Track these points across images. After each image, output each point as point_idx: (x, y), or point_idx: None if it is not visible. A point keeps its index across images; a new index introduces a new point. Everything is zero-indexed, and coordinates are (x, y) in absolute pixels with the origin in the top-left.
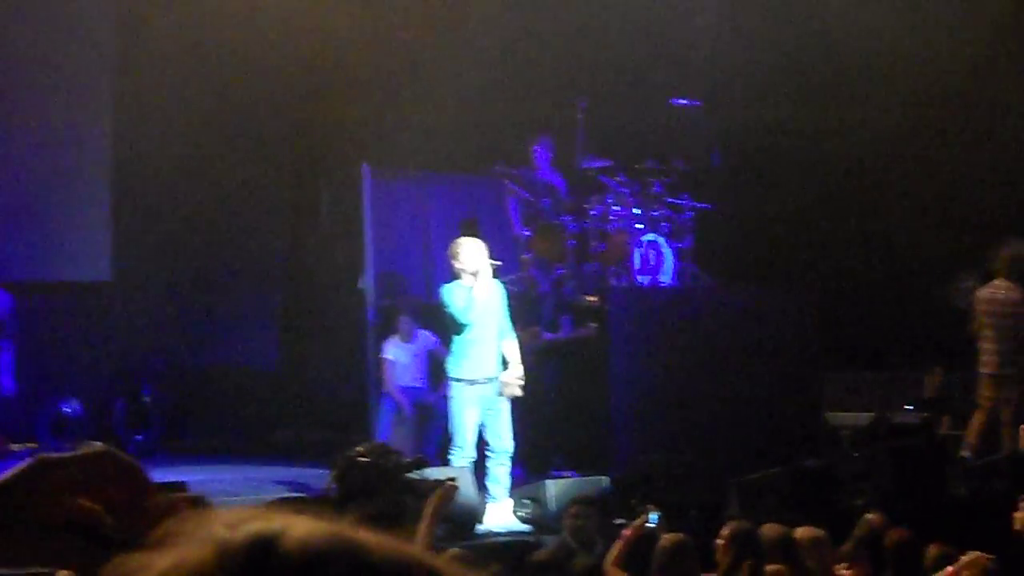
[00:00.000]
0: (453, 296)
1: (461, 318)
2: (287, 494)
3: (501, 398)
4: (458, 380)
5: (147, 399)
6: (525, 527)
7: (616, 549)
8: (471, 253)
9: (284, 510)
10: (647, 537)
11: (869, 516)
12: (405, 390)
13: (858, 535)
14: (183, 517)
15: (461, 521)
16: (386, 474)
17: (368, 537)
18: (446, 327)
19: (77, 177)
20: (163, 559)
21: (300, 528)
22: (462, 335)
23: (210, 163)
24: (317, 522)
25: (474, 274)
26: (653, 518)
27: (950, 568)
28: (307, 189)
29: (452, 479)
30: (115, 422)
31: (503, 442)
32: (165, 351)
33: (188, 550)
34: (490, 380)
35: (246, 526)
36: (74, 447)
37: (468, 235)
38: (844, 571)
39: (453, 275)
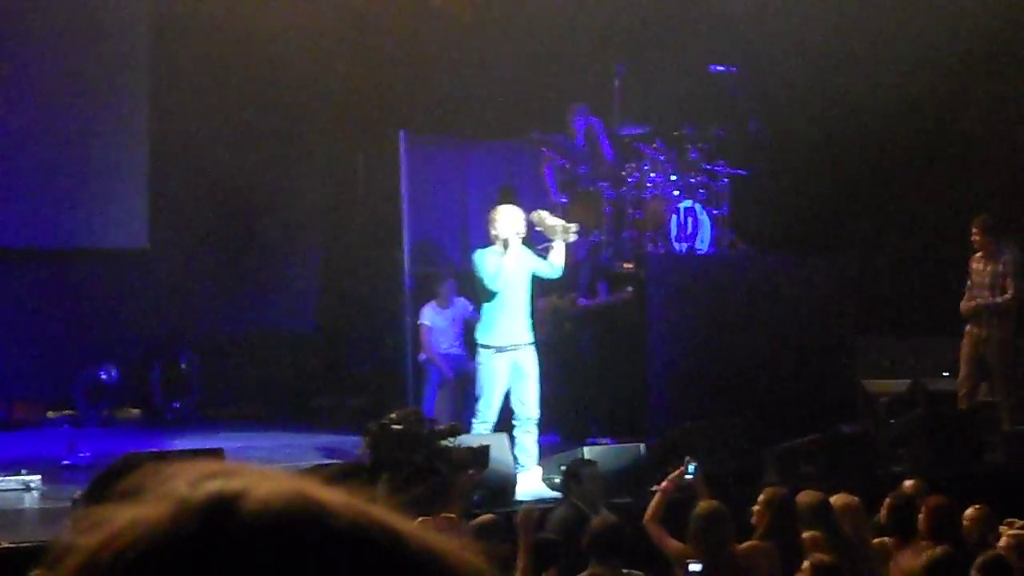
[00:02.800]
0: (484, 262)
1: (490, 284)
2: (323, 461)
3: (529, 365)
4: (487, 347)
5: (184, 366)
6: (555, 494)
7: (655, 503)
8: (507, 220)
9: (317, 477)
10: (685, 489)
11: (907, 483)
12: (445, 356)
13: (892, 503)
14: (148, 470)
15: (498, 488)
16: (419, 441)
17: (332, 499)
18: (476, 293)
19: (114, 144)
20: (122, 514)
21: (262, 489)
22: (491, 302)
23: (247, 129)
24: (284, 482)
25: (506, 241)
26: (691, 469)
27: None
28: (344, 155)
29: (486, 446)
30: (152, 389)
31: (529, 409)
32: (202, 318)
33: (147, 506)
34: (518, 347)
35: (207, 484)
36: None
37: (506, 202)
38: (879, 540)
39: (489, 241)
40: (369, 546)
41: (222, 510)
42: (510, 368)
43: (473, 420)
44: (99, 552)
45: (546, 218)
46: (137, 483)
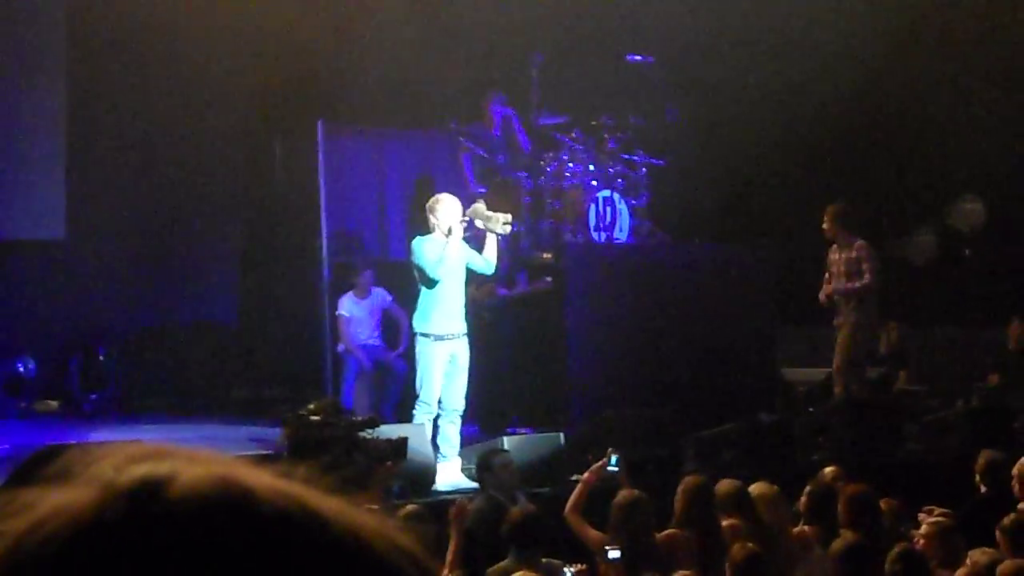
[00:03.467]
0: (424, 250)
1: (432, 273)
2: (241, 452)
3: (462, 356)
4: (425, 335)
5: (102, 358)
6: (474, 484)
7: (576, 494)
8: (449, 210)
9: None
10: (608, 487)
11: (826, 470)
12: (363, 347)
13: (810, 491)
14: (74, 455)
15: (417, 478)
16: (336, 432)
17: (260, 483)
18: (414, 281)
19: (30, 134)
20: (47, 499)
21: (189, 473)
22: (430, 290)
23: (164, 119)
24: (210, 465)
25: (448, 231)
26: (613, 461)
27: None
28: (262, 146)
29: (404, 438)
30: (70, 381)
31: (456, 401)
32: (120, 309)
33: (73, 491)
34: (455, 337)
35: (133, 468)
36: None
37: (424, 193)
38: (799, 528)
39: (427, 229)
40: (295, 529)
41: (148, 494)
42: (449, 357)
43: (415, 409)
44: (24, 538)
45: (483, 210)
46: (62, 467)
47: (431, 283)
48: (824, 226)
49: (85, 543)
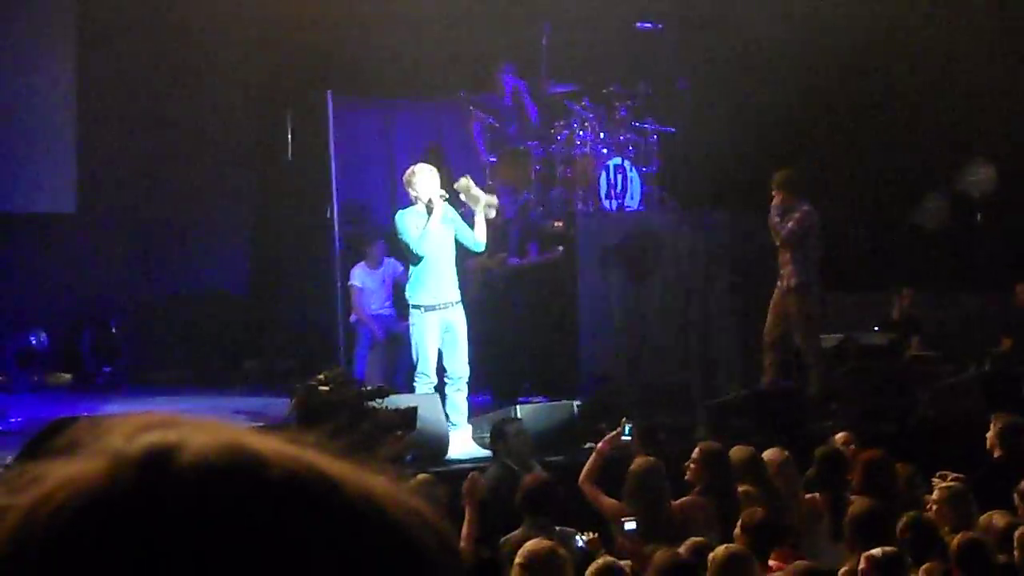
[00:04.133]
0: (407, 224)
1: (416, 248)
2: (251, 423)
3: (458, 324)
4: (416, 307)
5: (114, 330)
6: (486, 452)
7: (591, 464)
8: (425, 180)
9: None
10: (623, 456)
11: (837, 436)
12: (375, 317)
13: (819, 457)
14: (83, 426)
15: (430, 448)
16: (345, 402)
17: (270, 449)
18: (402, 254)
19: (41, 108)
20: (57, 470)
21: (197, 440)
22: (418, 263)
23: (175, 93)
24: (219, 432)
25: (428, 202)
26: (627, 431)
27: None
28: (272, 118)
29: (413, 408)
30: (83, 354)
31: (459, 368)
32: (132, 282)
33: (83, 462)
34: (447, 306)
35: (143, 437)
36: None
37: (434, 162)
38: (810, 495)
39: (410, 201)
40: (305, 494)
41: (158, 463)
42: (440, 326)
43: (416, 381)
44: (35, 510)
45: (471, 187)
46: (71, 439)
47: (416, 258)
48: (772, 194)
49: (95, 513)
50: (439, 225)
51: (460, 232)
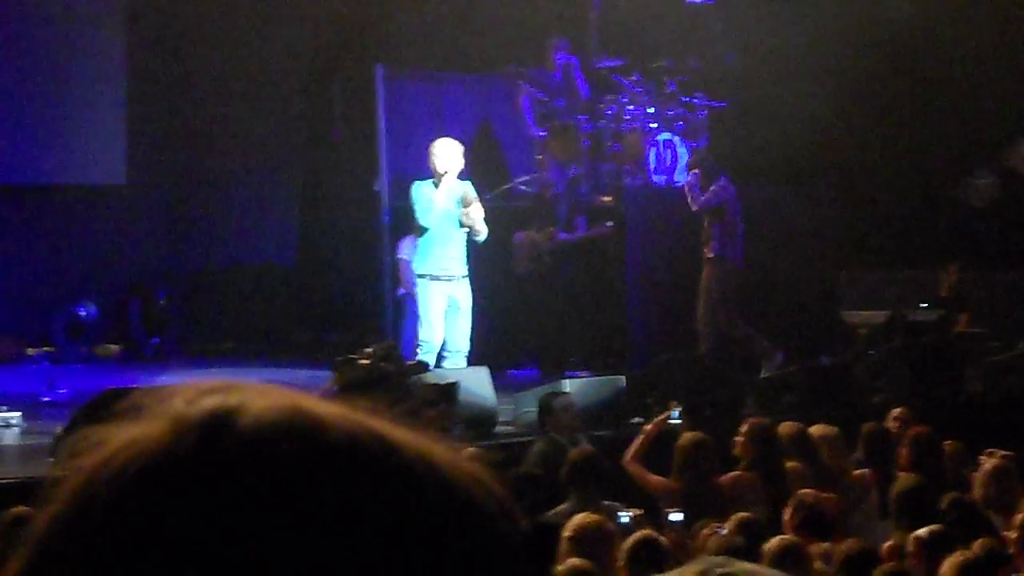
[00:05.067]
0: (419, 194)
1: (420, 218)
2: None
3: (463, 298)
4: (421, 276)
5: (163, 302)
6: None
7: (636, 444)
8: (445, 154)
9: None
10: (667, 433)
11: (893, 412)
12: None
13: (866, 433)
14: (144, 392)
15: (477, 422)
16: (385, 376)
17: (329, 413)
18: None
19: (91, 80)
20: (120, 434)
21: (258, 404)
22: (422, 234)
23: (224, 64)
24: (279, 397)
25: (443, 175)
26: (675, 414)
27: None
28: (321, 90)
29: (455, 383)
30: (131, 325)
31: (459, 342)
32: (181, 253)
33: (145, 425)
34: (452, 278)
35: (204, 401)
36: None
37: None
38: (859, 471)
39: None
40: (365, 456)
41: (219, 426)
42: (445, 298)
43: (418, 350)
44: (97, 472)
45: (472, 211)
46: (133, 404)
47: (419, 228)
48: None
49: (156, 475)
50: (445, 199)
51: (471, 212)
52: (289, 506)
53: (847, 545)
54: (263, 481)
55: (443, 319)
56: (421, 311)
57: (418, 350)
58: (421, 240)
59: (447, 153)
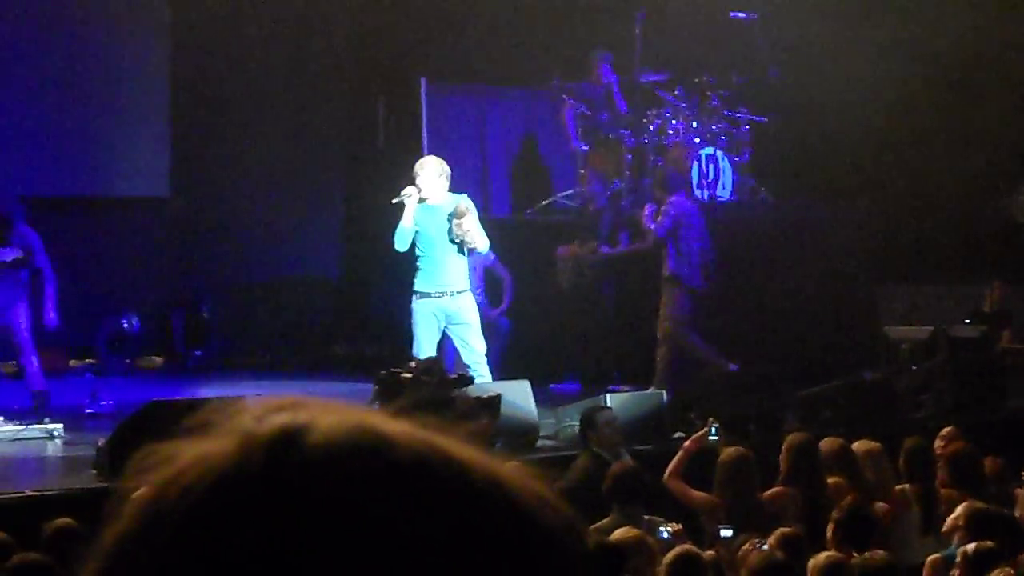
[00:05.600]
0: (406, 214)
1: (395, 237)
2: None
3: (464, 310)
4: (415, 292)
5: (205, 314)
6: None
7: (676, 461)
8: (425, 173)
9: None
10: (706, 450)
11: (943, 431)
12: None
13: (907, 449)
14: (216, 407)
15: (519, 435)
16: (427, 389)
17: (397, 431)
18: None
19: (135, 93)
20: (189, 450)
21: (326, 422)
22: (417, 251)
23: (267, 77)
24: (347, 414)
25: (426, 199)
26: (713, 431)
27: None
28: (365, 103)
29: (497, 395)
30: (174, 337)
31: (474, 352)
32: (223, 266)
33: (213, 442)
34: (446, 294)
35: (273, 418)
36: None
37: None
38: (900, 487)
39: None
40: (432, 475)
41: (287, 443)
42: (437, 314)
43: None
44: (165, 488)
45: (464, 222)
46: (202, 420)
47: (396, 248)
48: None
49: (225, 492)
50: (430, 218)
51: (467, 231)
52: (357, 524)
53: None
54: (331, 499)
55: (435, 337)
56: (413, 328)
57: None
58: (418, 256)
59: (427, 172)
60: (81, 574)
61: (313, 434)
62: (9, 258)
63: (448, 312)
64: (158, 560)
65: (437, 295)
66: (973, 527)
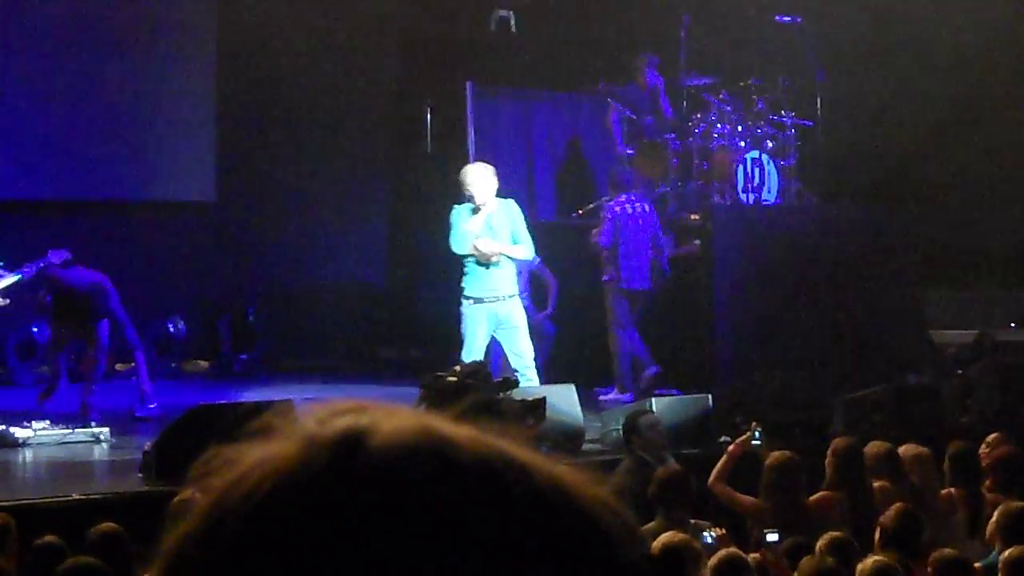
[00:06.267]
0: (456, 219)
1: (453, 244)
2: None
3: (514, 315)
4: (467, 297)
5: (251, 318)
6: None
7: (721, 465)
8: (474, 179)
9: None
10: (749, 454)
11: (989, 438)
12: None
13: (952, 453)
14: (278, 411)
15: (565, 439)
16: (472, 393)
17: (460, 434)
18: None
19: (182, 97)
20: (253, 453)
21: (389, 425)
22: (466, 257)
23: (313, 81)
24: (410, 417)
25: (479, 202)
26: (757, 435)
27: None
28: (411, 106)
29: (542, 399)
30: (220, 341)
31: (524, 359)
32: (269, 270)
33: (277, 444)
34: (498, 299)
35: (336, 421)
36: (179, 366)
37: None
38: (945, 491)
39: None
40: (496, 478)
41: (350, 446)
42: (488, 319)
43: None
44: (229, 491)
45: (480, 245)
46: (265, 424)
47: (451, 251)
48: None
49: (288, 494)
50: (483, 226)
51: (515, 237)
52: (421, 527)
53: (941, 553)
54: (395, 501)
55: (485, 342)
56: (464, 332)
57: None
58: (467, 263)
59: (479, 180)
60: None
61: (376, 437)
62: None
63: (498, 317)
64: (222, 562)
65: (489, 300)
66: (1009, 529)
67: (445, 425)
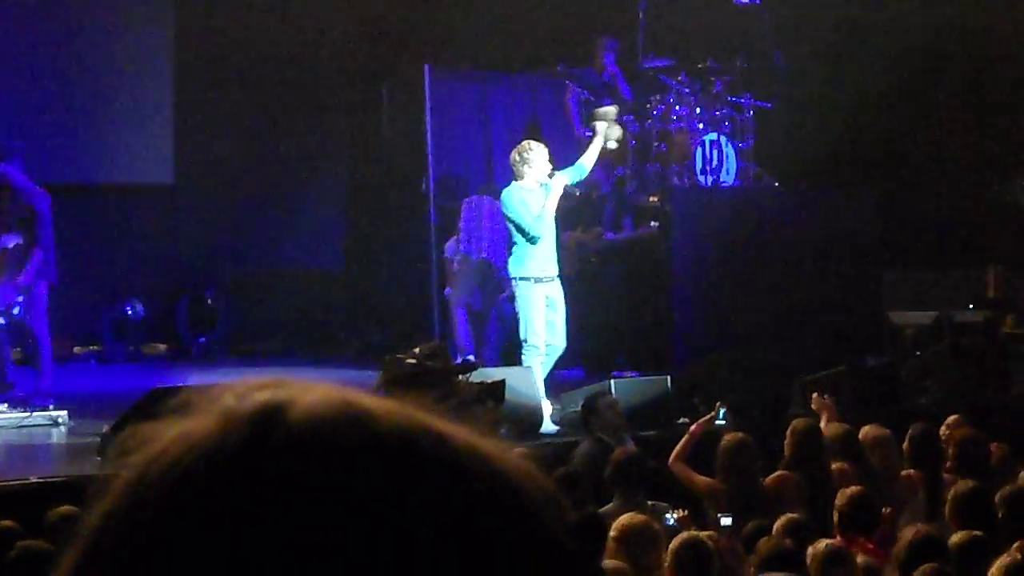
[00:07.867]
0: (526, 202)
1: (533, 230)
2: None
3: (560, 298)
4: (526, 279)
5: (210, 301)
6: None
7: (682, 444)
8: (541, 158)
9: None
10: (713, 434)
11: (949, 419)
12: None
13: (912, 435)
14: (194, 389)
15: (523, 422)
16: (431, 376)
17: (378, 405)
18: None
19: (139, 79)
20: (170, 430)
21: (307, 398)
22: (535, 242)
23: (271, 64)
24: (328, 391)
25: (542, 180)
26: (721, 415)
27: None
28: (369, 90)
29: (501, 381)
30: (178, 324)
31: (560, 340)
32: (228, 253)
33: (195, 421)
34: (552, 279)
35: (254, 396)
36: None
37: (534, 137)
38: (905, 472)
39: (515, 176)
40: (415, 449)
41: (269, 419)
42: (548, 298)
43: (524, 353)
44: (148, 467)
45: (613, 114)
46: (183, 401)
47: (533, 239)
48: None
49: (207, 469)
50: (553, 203)
51: (566, 182)
52: (341, 497)
53: (912, 531)
54: (315, 473)
55: (545, 319)
56: (527, 314)
57: (523, 353)
58: (522, 242)
59: (544, 156)
60: (66, 555)
61: (295, 410)
62: (10, 244)
63: (552, 297)
64: (142, 537)
65: (548, 279)
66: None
67: (363, 398)
